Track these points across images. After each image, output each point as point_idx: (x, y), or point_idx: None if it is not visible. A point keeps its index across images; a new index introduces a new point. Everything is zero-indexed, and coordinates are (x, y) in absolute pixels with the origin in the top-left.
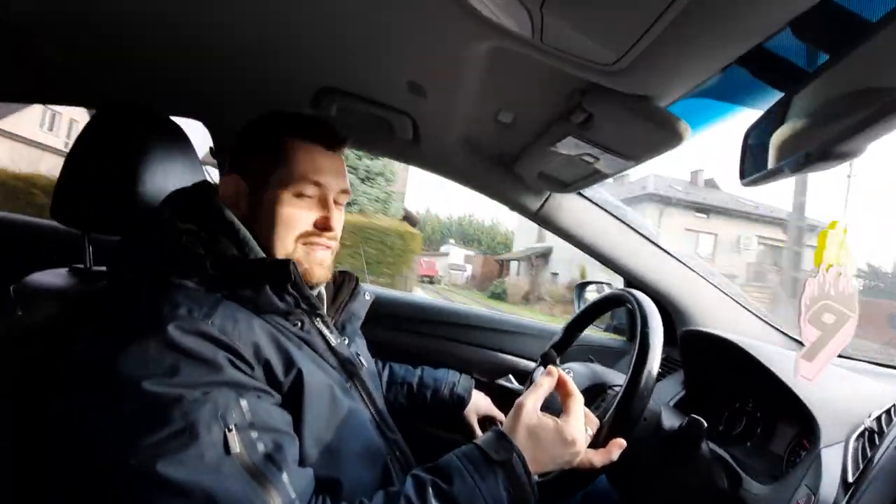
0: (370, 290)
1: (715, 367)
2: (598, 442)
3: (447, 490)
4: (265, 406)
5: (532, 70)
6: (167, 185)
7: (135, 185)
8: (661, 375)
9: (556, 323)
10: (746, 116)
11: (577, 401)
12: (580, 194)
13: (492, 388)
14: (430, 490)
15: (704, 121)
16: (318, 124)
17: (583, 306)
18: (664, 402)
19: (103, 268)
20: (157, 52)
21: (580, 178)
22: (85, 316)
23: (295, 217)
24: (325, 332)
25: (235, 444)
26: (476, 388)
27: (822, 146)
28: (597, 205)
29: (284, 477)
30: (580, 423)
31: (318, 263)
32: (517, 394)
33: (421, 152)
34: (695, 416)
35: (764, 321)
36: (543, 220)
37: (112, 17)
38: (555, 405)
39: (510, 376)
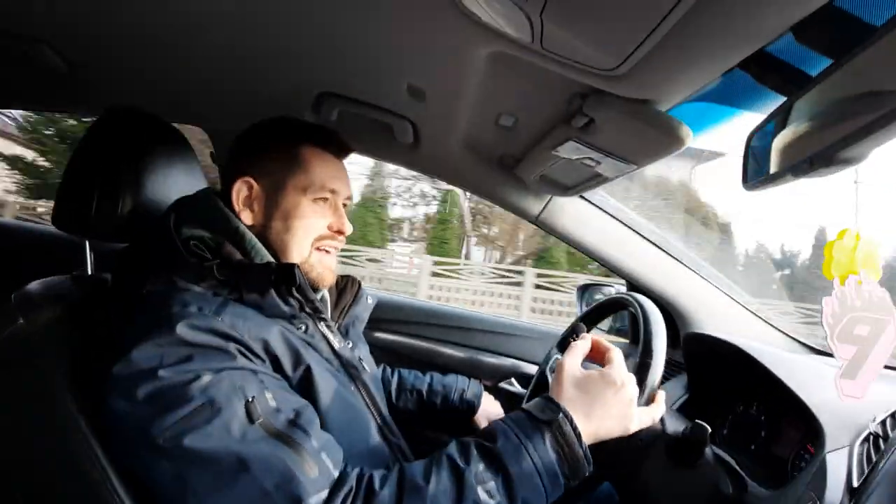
0: (372, 293)
1: (718, 371)
2: (642, 397)
3: (491, 447)
4: (281, 384)
5: (533, 74)
6: (168, 191)
7: (136, 191)
8: (664, 379)
9: (557, 326)
10: (748, 120)
11: (617, 352)
12: (582, 197)
13: (495, 392)
14: (474, 449)
15: (706, 124)
16: (329, 133)
17: (585, 309)
18: (667, 405)
19: (105, 274)
20: (158, 59)
21: (581, 182)
22: (87, 322)
23: (313, 221)
24: (329, 335)
25: (258, 413)
26: None
27: (824, 151)
28: (599, 208)
29: (313, 441)
30: (625, 369)
31: (328, 268)
32: (520, 397)
33: (421, 156)
34: (699, 421)
35: (769, 324)
36: (545, 223)
37: (115, 27)
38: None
39: (512, 379)
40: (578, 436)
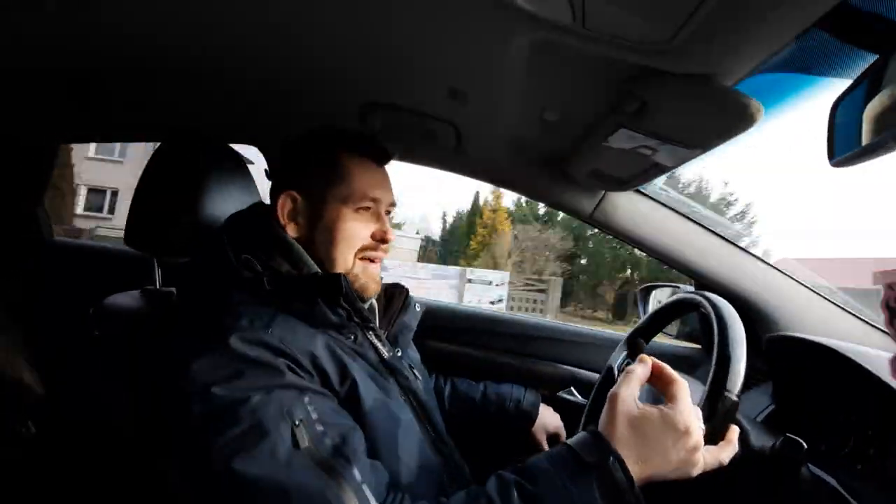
0: (420, 301)
1: (809, 377)
2: (712, 435)
3: (533, 491)
4: (327, 404)
5: (576, 61)
6: (227, 208)
7: (198, 210)
8: (745, 387)
9: (620, 333)
10: (832, 87)
11: (682, 387)
12: (638, 191)
13: (552, 402)
14: (515, 491)
15: (781, 97)
16: (368, 140)
17: (647, 311)
18: (750, 417)
19: (171, 288)
20: (212, 83)
21: (638, 174)
22: (154, 333)
23: (355, 232)
24: (378, 344)
25: (304, 439)
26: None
27: None
28: (657, 201)
29: (355, 471)
30: (690, 409)
31: (373, 278)
32: (579, 407)
33: (465, 159)
34: (791, 435)
35: (867, 323)
36: (599, 222)
37: (176, 57)
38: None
39: (571, 388)
40: (631, 482)
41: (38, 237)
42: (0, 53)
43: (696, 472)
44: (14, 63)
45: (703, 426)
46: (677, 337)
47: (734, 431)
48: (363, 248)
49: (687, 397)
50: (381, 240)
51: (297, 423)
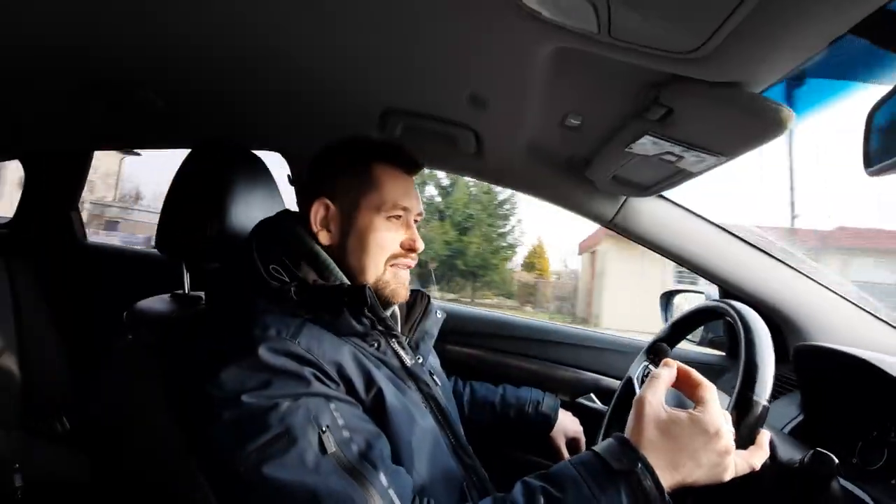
0: (441, 307)
1: (840, 389)
2: (742, 441)
3: (559, 498)
4: (353, 411)
5: (600, 67)
6: (252, 214)
7: (223, 216)
8: (772, 396)
9: (641, 337)
10: (867, 93)
11: (710, 389)
12: (661, 196)
13: (572, 407)
14: (541, 498)
15: (813, 103)
16: (401, 150)
17: (670, 317)
18: (777, 428)
19: (200, 293)
20: (238, 93)
21: (661, 180)
22: (184, 336)
23: (387, 240)
24: (401, 352)
25: (331, 444)
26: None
27: None
28: (681, 206)
29: (382, 477)
30: (720, 412)
31: (402, 284)
32: (599, 414)
33: (485, 164)
34: (821, 450)
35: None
36: (620, 227)
37: (204, 61)
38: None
39: (591, 395)
40: (661, 490)
41: (72, 239)
42: (41, 68)
43: (727, 476)
44: (53, 76)
45: (732, 430)
46: (700, 343)
47: (765, 436)
48: (393, 256)
49: (716, 400)
50: (409, 248)
51: (323, 429)
